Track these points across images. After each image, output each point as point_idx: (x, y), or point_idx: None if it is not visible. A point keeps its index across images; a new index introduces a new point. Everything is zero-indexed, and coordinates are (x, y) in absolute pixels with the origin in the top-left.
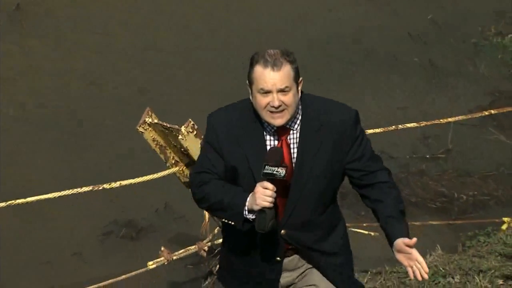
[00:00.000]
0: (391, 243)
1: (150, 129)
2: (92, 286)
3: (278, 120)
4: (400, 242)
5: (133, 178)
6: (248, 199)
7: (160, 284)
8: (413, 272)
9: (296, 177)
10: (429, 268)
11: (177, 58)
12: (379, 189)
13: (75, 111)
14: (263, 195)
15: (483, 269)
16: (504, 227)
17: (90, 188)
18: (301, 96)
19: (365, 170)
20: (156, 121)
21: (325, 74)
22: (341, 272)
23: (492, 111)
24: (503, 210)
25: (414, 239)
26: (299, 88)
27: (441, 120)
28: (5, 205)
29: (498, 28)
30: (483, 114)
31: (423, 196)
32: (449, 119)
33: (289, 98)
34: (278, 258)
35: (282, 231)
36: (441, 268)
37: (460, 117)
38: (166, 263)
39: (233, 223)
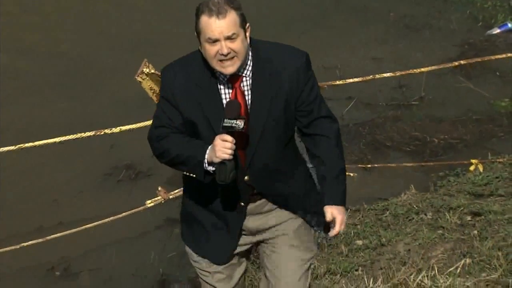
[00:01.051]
0: (323, 202)
1: (147, 78)
2: (96, 223)
3: (229, 69)
4: (329, 212)
5: (132, 124)
6: (207, 151)
7: (158, 220)
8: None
9: (253, 123)
10: (403, 206)
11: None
12: (321, 145)
13: (80, 58)
14: (222, 147)
15: (453, 207)
16: (472, 168)
17: (92, 133)
18: (250, 42)
19: (312, 117)
20: (153, 71)
21: (300, 21)
22: (309, 209)
23: (462, 62)
24: (471, 152)
25: (336, 232)
26: (247, 34)
27: (414, 70)
28: (15, 148)
29: None
30: (453, 65)
31: (398, 140)
32: (422, 69)
33: (237, 45)
34: (242, 204)
35: (246, 178)
36: (414, 206)
37: (432, 67)
38: (163, 201)
39: (194, 176)
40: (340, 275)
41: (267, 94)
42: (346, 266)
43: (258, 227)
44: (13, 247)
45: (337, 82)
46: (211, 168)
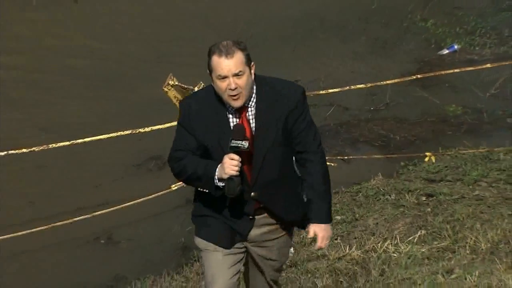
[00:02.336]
0: (310, 220)
1: (172, 89)
2: (131, 202)
3: (237, 103)
4: (312, 230)
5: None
6: (217, 169)
7: (180, 200)
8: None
9: (257, 147)
10: (373, 189)
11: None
12: (309, 165)
13: (118, 65)
14: (230, 165)
15: (411, 189)
16: (426, 159)
17: (129, 131)
18: (255, 78)
19: (303, 145)
20: (176, 83)
21: (291, 39)
22: (303, 218)
23: (419, 76)
24: (426, 147)
25: (318, 247)
26: (252, 71)
27: (381, 82)
28: (68, 143)
29: (423, 14)
30: (412, 78)
31: (369, 137)
32: (388, 82)
33: (243, 81)
34: (251, 217)
35: (252, 193)
36: (381, 189)
37: (396, 80)
38: (184, 185)
39: (207, 190)
40: None
41: (269, 122)
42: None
43: (258, 239)
44: (67, 221)
45: (321, 92)
46: (221, 184)
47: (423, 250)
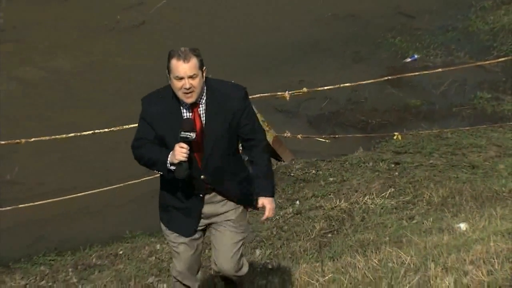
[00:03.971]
0: (256, 194)
1: None
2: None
3: (189, 99)
4: (260, 202)
5: None
6: (169, 155)
7: None
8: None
9: (206, 137)
10: (356, 158)
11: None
12: (254, 155)
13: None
14: (180, 152)
15: (384, 159)
16: (395, 137)
17: None
18: (205, 80)
19: (250, 135)
20: None
21: (291, 57)
22: (244, 198)
23: (389, 77)
24: (394, 129)
25: (265, 217)
26: (204, 74)
27: (361, 82)
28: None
29: (392, 34)
30: (384, 79)
31: (353, 121)
32: (366, 82)
33: (196, 82)
34: (201, 195)
35: (202, 176)
36: (362, 159)
37: (372, 81)
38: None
39: (161, 173)
40: (320, 197)
41: (216, 117)
42: (323, 193)
43: (212, 213)
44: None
45: (318, 89)
46: (172, 167)
47: (392, 203)
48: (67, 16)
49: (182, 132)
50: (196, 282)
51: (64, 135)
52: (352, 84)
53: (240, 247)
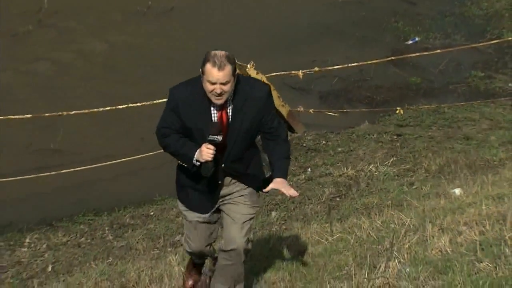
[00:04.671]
0: (273, 177)
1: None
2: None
3: (219, 102)
4: (278, 182)
5: None
6: (196, 153)
7: None
8: (287, 193)
9: (230, 134)
10: (362, 130)
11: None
12: (275, 143)
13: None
14: (207, 153)
15: (387, 131)
16: (397, 112)
17: None
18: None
19: (273, 128)
20: (251, 66)
21: (307, 37)
22: (257, 182)
23: (393, 58)
24: (397, 104)
25: (292, 193)
26: (235, 78)
27: (368, 62)
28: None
29: (396, 19)
30: (388, 59)
31: (360, 97)
32: (372, 62)
33: (227, 88)
34: (220, 182)
35: (223, 165)
36: (367, 131)
37: (377, 61)
38: None
39: (186, 165)
40: (329, 165)
41: (242, 115)
42: (332, 161)
43: (227, 193)
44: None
45: (329, 68)
46: (197, 163)
47: (394, 170)
48: (103, 2)
49: (210, 136)
50: (206, 259)
51: (101, 109)
52: (359, 63)
53: (251, 219)
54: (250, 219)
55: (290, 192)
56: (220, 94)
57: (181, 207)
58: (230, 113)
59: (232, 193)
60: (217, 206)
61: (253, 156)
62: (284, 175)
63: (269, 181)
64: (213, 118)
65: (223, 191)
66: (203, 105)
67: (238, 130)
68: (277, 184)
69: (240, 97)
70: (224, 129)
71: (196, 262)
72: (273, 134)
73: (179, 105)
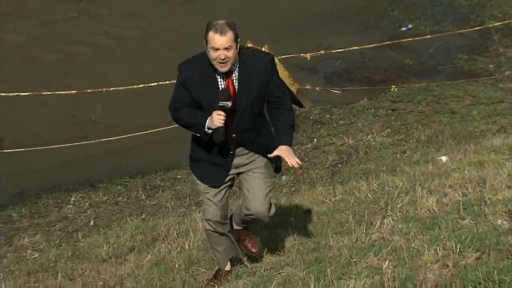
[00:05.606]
0: (278, 144)
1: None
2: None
3: (224, 68)
4: (282, 149)
5: None
6: (207, 120)
7: None
8: (289, 162)
9: (238, 102)
10: (361, 106)
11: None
12: (279, 111)
13: None
14: (217, 119)
15: (383, 106)
16: (392, 89)
17: None
18: (239, 50)
19: (277, 97)
20: (251, 45)
21: (313, 23)
22: (267, 151)
23: (388, 42)
24: (392, 82)
25: (293, 162)
26: (238, 45)
27: (367, 46)
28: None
29: (392, 7)
30: (384, 43)
31: (359, 77)
32: (370, 45)
33: (230, 53)
34: (231, 152)
35: (233, 135)
36: (366, 106)
37: (375, 44)
38: None
39: (198, 135)
40: (333, 136)
41: (248, 84)
42: (335, 132)
43: (240, 164)
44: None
45: (333, 51)
46: (209, 131)
47: (389, 140)
48: None
49: (220, 102)
50: (226, 228)
51: (135, 86)
52: (360, 47)
53: (270, 190)
54: (270, 189)
55: (292, 161)
56: (224, 60)
57: (195, 178)
58: (236, 83)
59: (246, 165)
60: (229, 177)
61: (262, 125)
62: (288, 142)
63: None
64: (220, 87)
65: (235, 161)
66: (209, 76)
67: (246, 98)
68: (281, 151)
69: (245, 67)
70: (232, 98)
71: (219, 232)
72: (278, 102)
73: (187, 79)
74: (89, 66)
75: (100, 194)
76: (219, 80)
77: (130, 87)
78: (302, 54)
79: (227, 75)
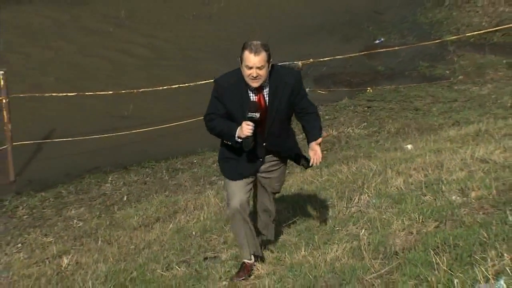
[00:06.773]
0: (309, 142)
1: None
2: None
3: (255, 84)
4: (312, 144)
5: None
6: (238, 130)
7: None
8: (313, 159)
9: (268, 114)
10: (342, 104)
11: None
12: (308, 119)
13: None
14: (246, 129)
15: (360, 104)
16: (367, 91)
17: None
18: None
19: (304, 108)
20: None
21: (307, 34)
22: (292, 153)
23: (365, 52)
24: (367, 85)
25: (312, 160)
26: (270, 65)
27: (347, 55)
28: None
29: (367, 24)
30: (361, 53)
31: (342, 80)
32: (351, 55)
33: (262, 72)
34: (261, 159)
35: (264, 144)
36: (347, 104)
37: (354, 54)
38: None
39: (230, 143)
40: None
41: (277, 97)
42: (322, 125)
43: (264, 170)
44: (182, 122)
45: (320, 59)
46: (239, 140)
47: (365, 132)
48: (162, 7)
49: (249, 113)
50: (248, 215)
51: (161, 87)
52: (342, 56)
53: (276, 193)
54: (278, 191)
55: (315, 160)
56: (256, 78)
57: (226, 179)
58: (267, 97)
59: (268, 172)
60: (252, 179)
61: (288, 132)
62: (317, 141)
63: (300, 155)
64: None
65: (262, 167)
66: (242, 91)
67: (275, 110)
68: (311, 150)
69: (275, 83)
70: (262, 110)
71: (243, 218)
72: (305, 112)
73: (222, 92)
74: (120, 70)
75: (131, 175)
76: (250, 94)
77: (156, 88)
78: (295, 62)
79: (258, 90)
